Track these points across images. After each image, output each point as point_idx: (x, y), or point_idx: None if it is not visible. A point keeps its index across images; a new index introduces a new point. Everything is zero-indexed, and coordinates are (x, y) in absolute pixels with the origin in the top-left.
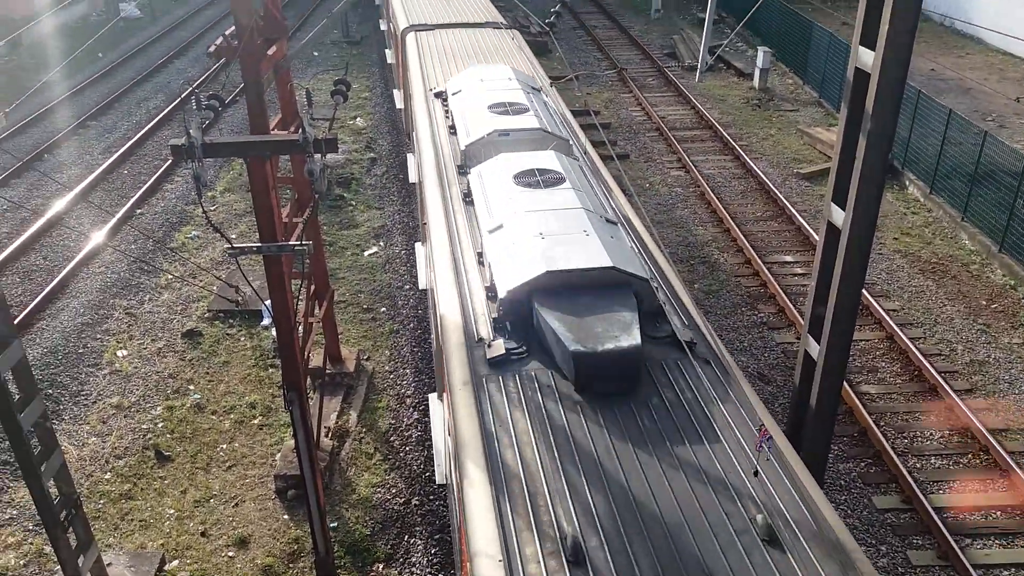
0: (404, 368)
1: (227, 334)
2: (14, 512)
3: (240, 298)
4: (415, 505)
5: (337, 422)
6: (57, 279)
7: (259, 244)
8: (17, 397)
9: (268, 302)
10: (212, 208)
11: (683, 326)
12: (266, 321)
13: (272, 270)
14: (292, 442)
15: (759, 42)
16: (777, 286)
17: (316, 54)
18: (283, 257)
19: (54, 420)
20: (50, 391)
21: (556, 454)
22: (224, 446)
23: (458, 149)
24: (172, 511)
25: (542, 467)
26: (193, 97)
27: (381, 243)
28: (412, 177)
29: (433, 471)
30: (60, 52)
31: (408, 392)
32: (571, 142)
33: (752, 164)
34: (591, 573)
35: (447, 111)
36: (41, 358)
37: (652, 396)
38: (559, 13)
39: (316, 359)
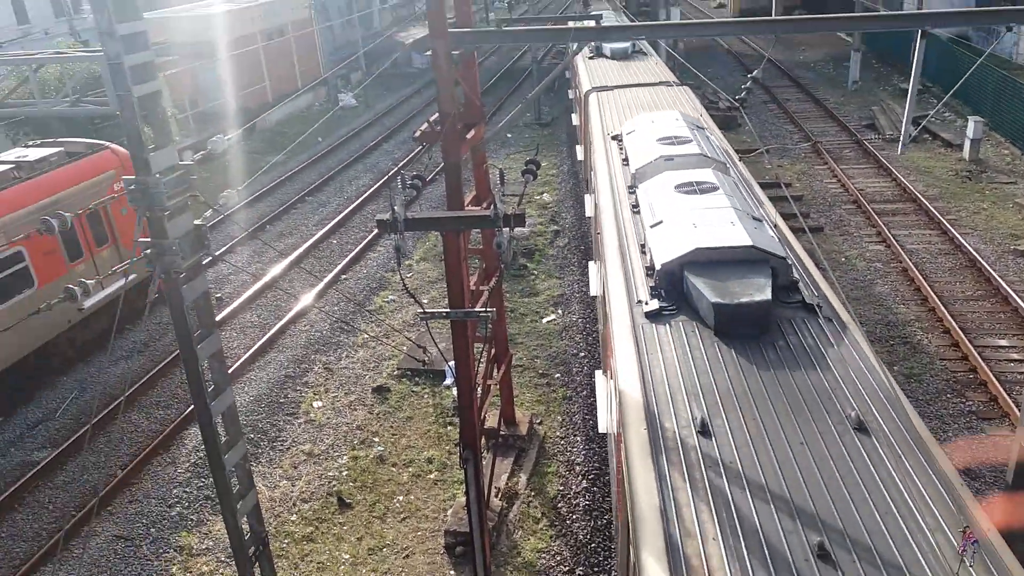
0: (575, 435)
1: (412, 391)
2: (210, 543)
3: (427, 358)
4: None
5: (507, 483)
6: (267, 335)
7: (448, 310)
8: (224, 439)
9: (451, 363)
10: (408, 275)
11: (813, 295)
12: (448, 381)
13: (458, 334)
14: (464, 499)
15: (969, 111)
16: (989, 372)
17: (510, 135)
18: (468, 322)
19: (252, 462)
20: (252, 435)
21: (695, 374)
22: (400, 498)
23: (628, 173)
24: (348, 556)
25: (683, 384)
26: (398, 177)
27: (559, 311)
28: (588, 212)
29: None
30: (286, 137)
31: (578, 460)
32: (728, 164)
33: (961, 239)
34: (713, 439)
35: (621, 148)
36: (247, 405)
37: (779, 340)
38: (750, 88)
39: (491, 420)
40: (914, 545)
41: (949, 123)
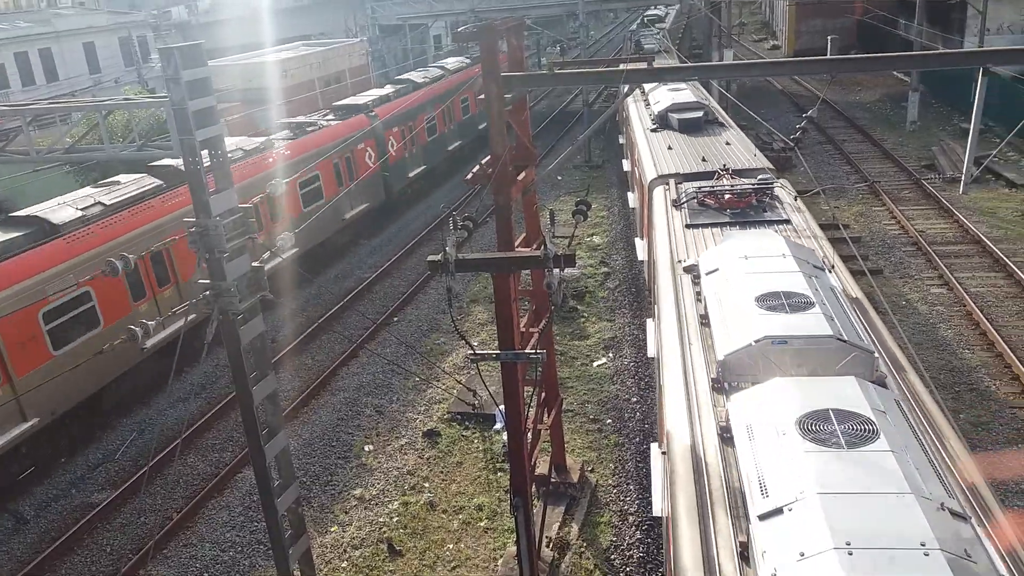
0: (628, 484)
1: (463, 435)
2: None
3: (477, 402)
4: None
5: (559, 533)
6: (320, 378)
7: (498, 351)
8: (277, 482)
9: (502, 407)
10: (459, 317)
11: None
12: (498, 425)
13: (508, 376)
14: (514, 548)
15: None
16: None
17: (560, 178)
18: (518, 364)
19: (304, 506)
20: (303, 479)
21: None
22: (451, 546)
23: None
24: None
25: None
26: (451, 219)
27: (610, 354)
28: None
29: None
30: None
31: (631, 509)
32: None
33: None
34: None
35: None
36: (300, 448)
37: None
38: (805, 128)
39: (542, 467)
40: None
41: (1013, 162)
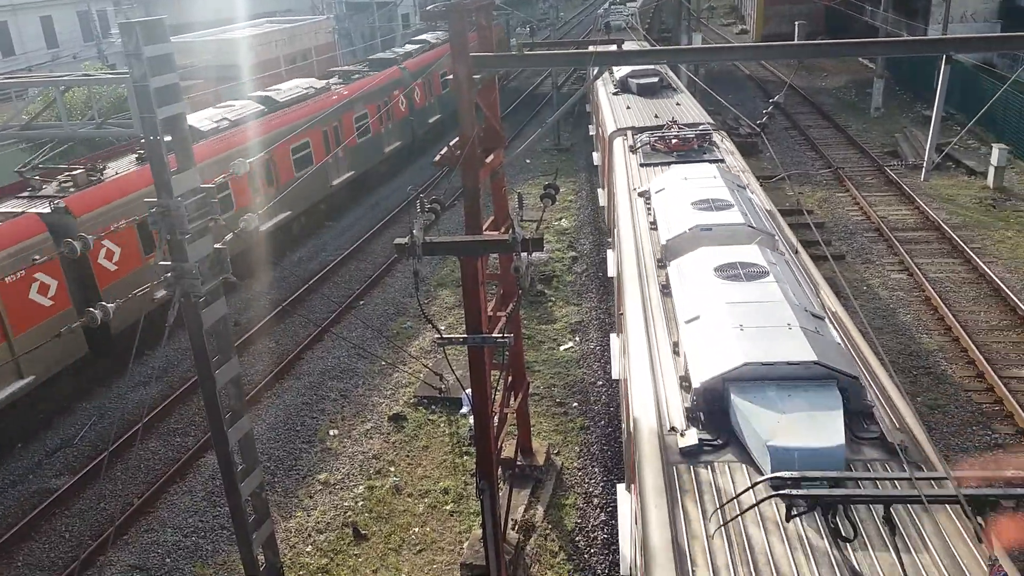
0: (593, 466)
1: (429, 419)
2: (225, 574)
3: (443, 386)
4: None
5: (524, 516)
6: (284, 362)
7: (465, 335)
8: (240, 467)
9: (468, 391)
10: (426, 301)
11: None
12: (465, 409)
13: (475, 360)
14: (480, 531)
15: (993, 138)
16: (1016, 404)
17: (528, 161)
18: (485, 348)
19: (268, 491)
20: (267, 464)
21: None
22: (416, 529)
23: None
24: None
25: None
26: (417, 201)
27: (577, 338)
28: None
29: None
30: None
31: (596, 491)
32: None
33: (986, 268)
34: None
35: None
36: (263, 433)
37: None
38: (771, 114)
39: (508, 450)
40: None
41: (973, 150)
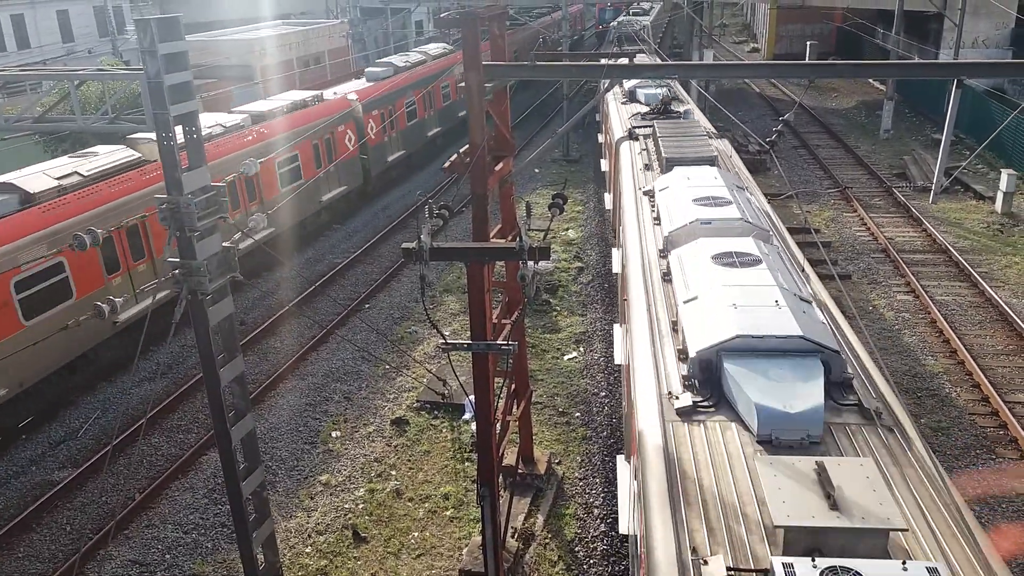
0: (594, 477)
1: (431, 424)
2: (224, 572)
3: (447, 391)
4: None
5: (524, 524)
6: (289, 362)
7: (469, 342)
8: (242, 466)
9: (471, 397)
10: (432, 307)
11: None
12: (467, 416)
13: (478, 367)
14: (480, 538)
15: (1002, 164)
16: (1020, 429)
17: (537, 170)
18: (489, 356)
19: (269, 490)
20: (269, 463)
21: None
22: (416, 534)
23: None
24: None
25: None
26: (426, 206)
27: (581, 349)
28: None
29: None
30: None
31: (596, 503)
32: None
33: (992, 292)
34: None
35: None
36: (266, 432)
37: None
38: (780, 132)
39: (509, 458)
40: None
41: (982, 175)
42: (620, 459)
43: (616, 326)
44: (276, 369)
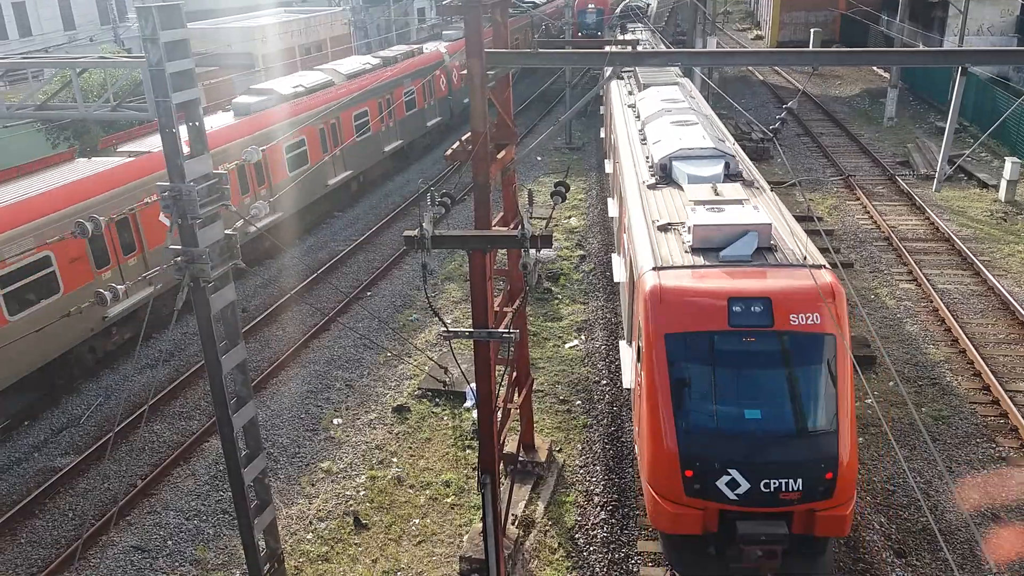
0: (595, 465)
1: (432, 412)
2: (226, 558)
3: (448, 379)
4: None
5: (525, 511)
6: (291, 350)
7: (471, 329)
8: (244, 453)
9: (473, 385)
10: (433, 294)
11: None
12: (468, 403)
13: (480, 354)
14: (480, 525)
15: (1006, 152)
16: (1021, 418)
17: (540, 158)
18: (491, 343)
19: (270, 477)
20: (271, 450)
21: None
22: (417, 520)
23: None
24: None
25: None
26: (428, 194)
27: (582, 337)
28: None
29: None
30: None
31: (597, 490)
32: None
33: (995, 281)
34: None
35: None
36: (268, 419)
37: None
38: (784, 120)
39: (510, 445)
40: None
41: (985, 163)
42: (622, 344)
43: (610, 200)
44: (278, 356)
